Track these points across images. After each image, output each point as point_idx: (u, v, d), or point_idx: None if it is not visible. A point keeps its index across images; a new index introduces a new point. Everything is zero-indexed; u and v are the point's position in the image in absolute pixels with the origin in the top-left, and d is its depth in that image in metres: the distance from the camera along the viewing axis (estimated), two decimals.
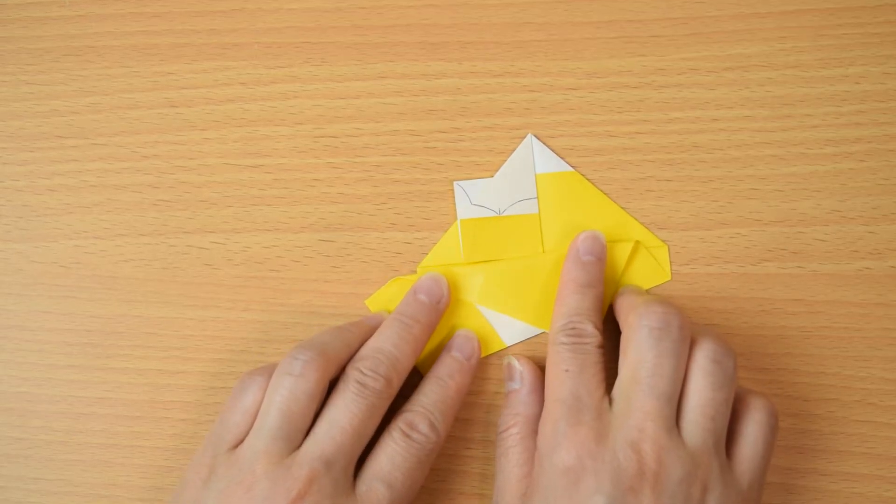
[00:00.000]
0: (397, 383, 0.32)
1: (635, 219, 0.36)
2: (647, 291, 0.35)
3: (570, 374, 0.31)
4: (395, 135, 0.36)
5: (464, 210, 0.36)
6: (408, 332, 0.33)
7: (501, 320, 0.35)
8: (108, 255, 0.36)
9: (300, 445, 0.30)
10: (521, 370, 0.34)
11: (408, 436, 0.31)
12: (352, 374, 0.31)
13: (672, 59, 0.36)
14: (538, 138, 0.36)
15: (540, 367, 0.34)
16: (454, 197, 0.36)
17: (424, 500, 0.35)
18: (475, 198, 0.36)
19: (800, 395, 0.35)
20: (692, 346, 0.31)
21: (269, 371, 0.32)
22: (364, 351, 0.32)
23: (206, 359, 0.36)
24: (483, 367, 0.36)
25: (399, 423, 0.32)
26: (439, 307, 0.34)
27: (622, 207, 0.36)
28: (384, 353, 0.32)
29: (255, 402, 0.31)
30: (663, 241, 0.36)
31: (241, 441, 0.31)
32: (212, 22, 0.37)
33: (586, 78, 0.36)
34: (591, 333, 0.32)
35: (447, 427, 0.32)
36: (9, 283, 0.37)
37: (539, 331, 0.35)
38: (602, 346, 0.32)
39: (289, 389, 0.31)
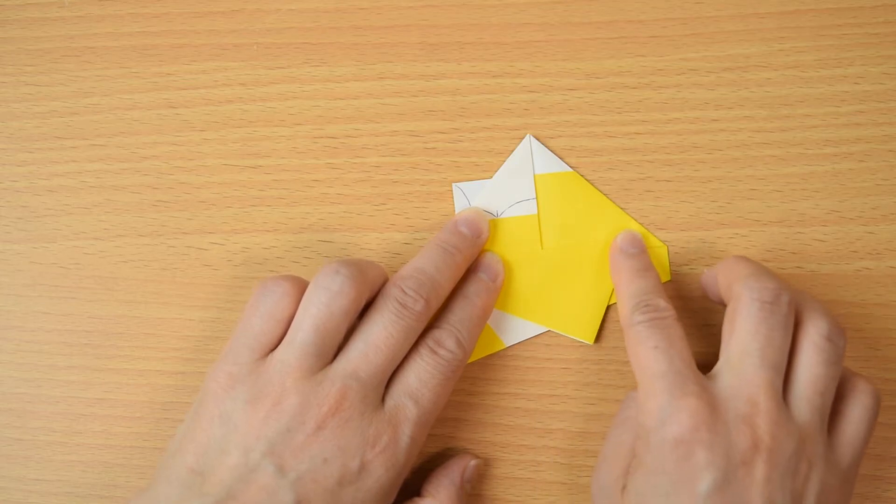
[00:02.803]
0: (435, 306, 0.32)
1: (635, 219, 0.36)
2: (750, 259, 0.33)
3: (660, 349, 0.30)
4: (395, 135, 0.36)
5: None
6: (450, 259, 0.33)
7: (501, 321, 0.35)
8: (108, 255, 0.37)
9: (332, 361, 0.30)
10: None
11: (435, 352, 0.31)
12: (393, 291, 0.31)
13: (671, 60, 0.36)
14: (537, 139, 0.36)
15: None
16: (453, 198, 0.36)
17: None
18: (474, 200, 0.36)
19: None
20: (802, 319, 0.30)
21: (291, 279, 0.31)
22: (406, 271, 0.32)
23: (205, 360, 0.36)
24: (482, 367, 0.36)
25: (427, 341, 0.32)
26: (479, 242, 0.34)
27: (622, 208, 0.36)
28: (426, 275, 0.32)
29: (280, 309, 0.31)
30: (663, 241, 0.36)
31: (267, 351, 0.31)
32: (211, 22, 0.37)
33: (585, 78, 0.36)
34: (665, 307, 0.31)
35: (472, 345, 0.33)
36: (8, 284, 0.37)
37: (539, 330, 0.35)
38: (680, 321, 0.31)
39: (326, 304, 0.30)
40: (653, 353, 0.30)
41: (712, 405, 0.29)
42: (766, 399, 0.28)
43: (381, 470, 0.29)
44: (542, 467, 0.35)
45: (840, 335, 0.30)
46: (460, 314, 0.33)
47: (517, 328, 0.35)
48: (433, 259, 0.32)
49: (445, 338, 0.32)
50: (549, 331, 0.35)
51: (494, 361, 0.36)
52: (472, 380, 0.36)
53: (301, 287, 0.31)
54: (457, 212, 0.36)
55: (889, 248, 0.35)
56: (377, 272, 0.32)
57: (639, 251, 0.34)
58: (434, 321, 0.33)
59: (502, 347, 0.36)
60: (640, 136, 0.36)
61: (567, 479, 0.35)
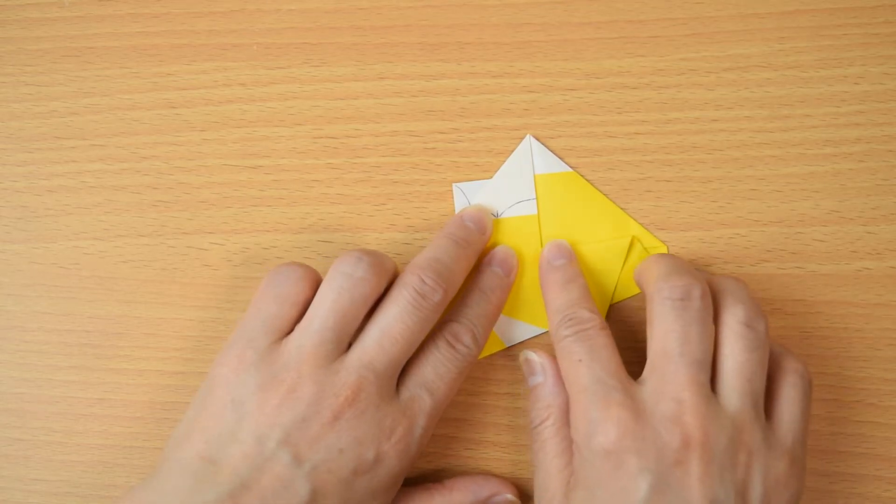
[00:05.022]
0: (450, 297, 0.32)
1: (634, 219, 0.36)
2: (666, 256, 0.34)
3: (583, 362, 0.30)
4: (395, 135, 0.36)
5: None
6: (462, 251, 0.33)
7: (501, 321, 0.35)
8: (108, 255, 0.36)
9: (347, 349, 0.30)
10: (542, 362, 0.33)
11: (452, 346, 0.31)
12: (411, 280, 0.31)
13: (671, 60, 0.36)
14: (537, 139, 0.36)
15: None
16: (453, 198, 0.36)
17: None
18: (474, 200, 0.36)
19: None
20: (721, 309, 0.31)
21: (305, 266, 0.31)
22: (422, 260, 0.32)
23: (205, 359, 0.36)
24: (482, 367, 0.36)
25: (444, 334, 0.32)
26: (483, 238, 0.34)
27: (621, 208, 0.36)
28: (443, 265, 0.31)
29: (296, 293, 0.31)
30: (662, 241, 0.36)
31: (281, 335, 0.30)
32: (211, 23, 0.37)
33: (585, 78, 0.36)
34: (589, 318, 0.31)
35: (486, 340, 0.33)
36: (8, 284, 0.37)
37: (539, 330, 0.35)
38: (606, 328, 0.31)
39: (348, 291, 0.30)
40: (577, 366, 0.30)
41: (637, 411, 0.29)
42: (691, 395, 0.28)
43: (394, 460, 0.30)
44: None
45: (759, 318, 0.30)
46: (477, 309, 0.33)
47: (517, 328, 0.35)
48: (447, 250, 0.32)
49: (463, 332, 0.32)
50: (548, 331, 0.35)
51: (494, 361, 0.36)
52: (472, 380, 0.36)
53: (314, 275, 0.31)
54: (456, 211, 0.36)
55: (889, 248, 0.35)
56: (392, 264, 0.32)
57: (565, 261, 0.34)
58: (451, 314, 0.33)
59: (502, 347, 0.36)
60: (640, 137, 0.36)
61: None
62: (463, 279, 0.33)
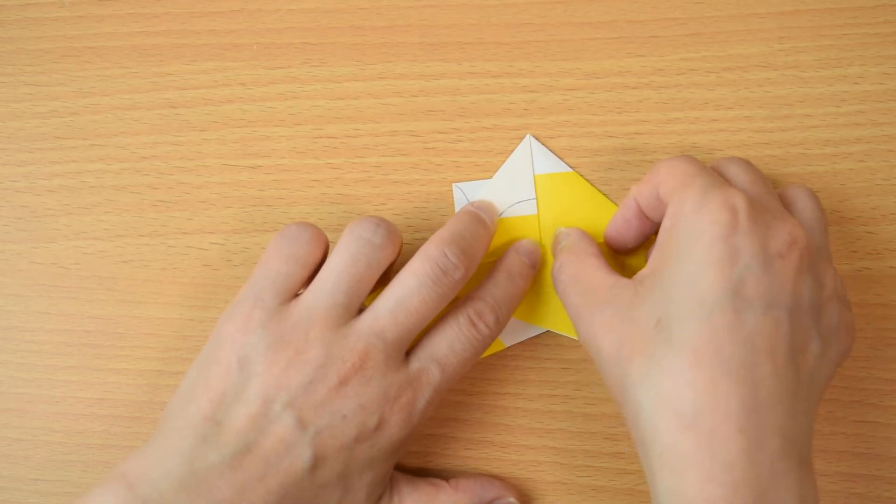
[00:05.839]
0: (470, 274, 0.31)
1: None
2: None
3: (701, 169, 0.30)
4: (395, 135, 0.36)
5: None
6: (483, 230, 0.32)
7: None
8: (108, 255, 0.37)
9: (356, 315, 0.30)
10: (569, 231, 0.33)
11: (474, 324, 0.31)
12: (435, 253, 0.30)
13: (671, 60, 0.36)
14: (537, 139, 0.36)
15: None
16: (453, 198, 0.36)
17: None
18: (474, 200, 0.36)
19: None
20: (787, 190, 0.32)
21: (316, 227, 0.31)
22: (446, 234, 0.31)
23: None
24: (483, 367, 0.36)
25: (468, 310, 0.31)
26: (493, 228, 0.34)
27: None
28: (467, 242, 0.31)
29: (306, 253, 0.30)
30: None
31: (290, 295, 0.30)
32: (211, 22, 0.37)
33: (585, 78, 0.36)
34: None
35: (505, 326, 0.32)
36: (8, 284, 0.37)
37: (539, 330, 0.35)
38: None
39: (366, 257, 0.30)
40: (692, 165, 0.30)
41: (751, 200, 0.28)
42: (785, 213, 0.29)
43: (395, 429, 0.29)
44: (542, 467, 0.35)
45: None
46: (504, 290, 0.32)
47: (517, 328, 0.35)
48: (469, 226, 0.32)
49: (488, 312, 0.31)
50: (548, 331, 0.35)
51: (494, 361, 0.36)
52: (471, 380, 0.36)
53: (324, 237, 0.31)
54: (456, 211, 0.36)
55: (889, 248, 0.35)
56: (402, 236, 0.32)
57: None
58: (477, 290, 0.32)
59: (502, 348, 0.36)
60: (640, 136, 0.36)
61: (567, 479, 0.35)
62: (480, 260, 0.32)
